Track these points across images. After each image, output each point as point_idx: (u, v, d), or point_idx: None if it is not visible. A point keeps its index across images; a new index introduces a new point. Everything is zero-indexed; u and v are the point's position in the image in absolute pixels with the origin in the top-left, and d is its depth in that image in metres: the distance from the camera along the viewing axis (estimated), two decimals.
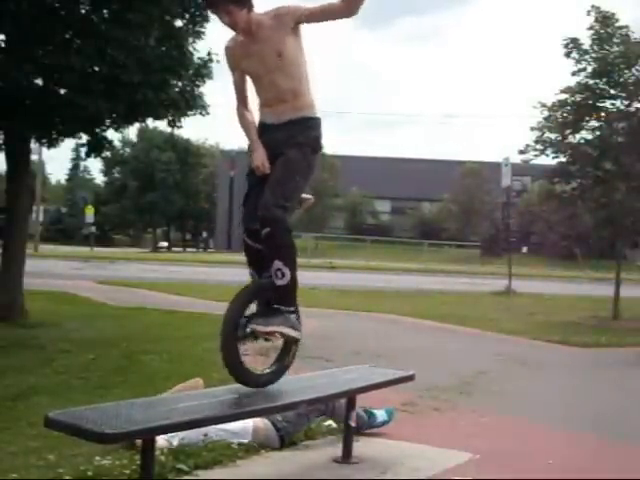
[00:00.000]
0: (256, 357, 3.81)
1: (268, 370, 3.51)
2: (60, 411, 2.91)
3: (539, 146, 12.65)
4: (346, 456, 3.80)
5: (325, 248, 41.12)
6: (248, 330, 3.28)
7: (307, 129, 3.39)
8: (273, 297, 3.33)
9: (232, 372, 3.31)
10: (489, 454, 4.07)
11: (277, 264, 3.25)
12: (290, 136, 3.33)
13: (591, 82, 12.32)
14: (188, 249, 59.45)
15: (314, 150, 3.43)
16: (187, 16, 8.64)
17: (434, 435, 4.42)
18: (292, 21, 3.28)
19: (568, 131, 12.59)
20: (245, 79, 3.49)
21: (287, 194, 3.27)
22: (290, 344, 3.49)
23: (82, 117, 8.11)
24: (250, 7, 3.26)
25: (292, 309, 3.34)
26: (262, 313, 3.32)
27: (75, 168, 72.92)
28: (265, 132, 3.45)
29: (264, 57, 3.31)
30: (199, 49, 9.01)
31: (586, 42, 12.30)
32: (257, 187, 3.40)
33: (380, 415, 4.41)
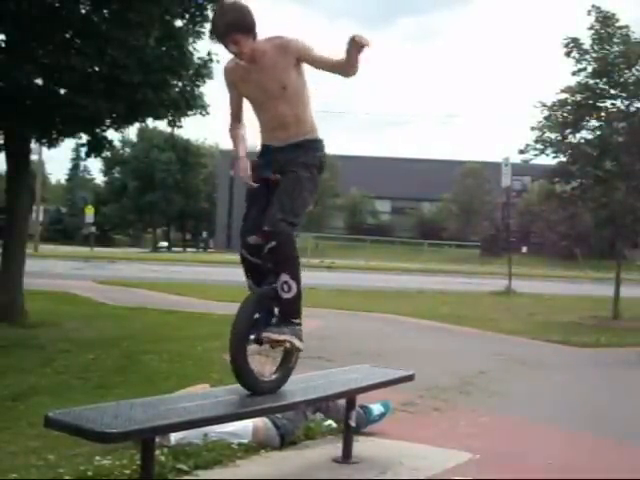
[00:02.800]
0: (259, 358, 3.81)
1: (273, 377, 3.51)
2: (60, 411, 2.90)
3: (539, 146, 12.65)
4: (346, 456, 3.80)
5: (325, 248, 41.13)
6: (261, 337, 3.30)
7: (312, 150, 3.46)
8: (280, 310, 3.38)
9: (242, 381, 3.33)
10: (489, 454, 4.07)
11: (284, 277, 3.30)
12: (296, 156, 3.40)
13: (591, 82, 12.32)
14: (188, 249, 59.44)
15: (319, 170, 3.50)
16: (187, 16, 8.64)
17: (434, 435, 4.41)
18: (295, 58, 3.34)
19: (568, 131, 12.59)
20: (241, 99, 3.55)
21: (295, 210, 3.32)
22: (291, 354, 3.52)
23: (82, 117, 8.10)
24: (255, 35, 3.33)
25: (299, 321, 3.40)
26: (274, 322, 3.36)
27: (75, 168, 72.92)
28: (268, 153, 3.50)
29: (266, 86, 3.37)
30: (199, 49, 9.03)
31: (586, 42, 12.32)
32: (257, 203, 3.43)
33: (377, 409, 4.40)
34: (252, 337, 3.30)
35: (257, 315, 3.36)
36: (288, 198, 3.31)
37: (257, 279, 3.45)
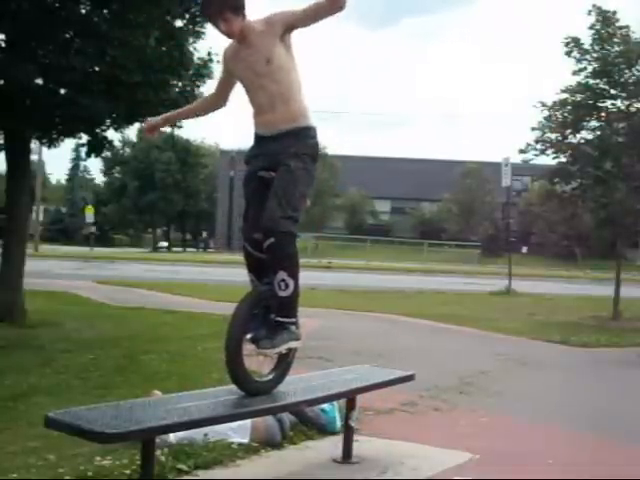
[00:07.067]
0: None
1: (269, 377, 3.48)
2: (60, 411, 2.91)
3: (539, 146, 12.65)
4: (346, 456, 3.81)
5: (325, 248, 41.13)
6: (257, 351, 3.25)
7: (304, 138, 3.35)
8: (274, 308, 3.30)
9: (237, 383, 3.29)
10: (489, 454, 4.07)
11: (281, 275, 3.22)
12: (287, 146, 3.30)
13: (591, 82, 12.32)
14: (188, 249, 59.44)
15: (313, 159, 3.40)
16: (187, 16, 8.63)
17: (434, 435, 4.42)
18: (282, 27, 3.28)
19: (568, 131, 12.59)
20: (229, 82, 3.58)
21: (293, 204, 3.24)
22: (288, 353, 3.47)
23: (82, 117, 8.09)
24: (244, 15, 3.31)
25: (294, 320, 3.33)
26: (266, 333, 3.26)
27: (75, 168, 72.99)
28: (260, 143, 3.43)
29: (253, 62, 3.32)
30: (199, 49, 9.01)
31: (587, 41, 12.32)
32: (256, 197, 3.38)
33: (329, 409, 4.36)
34: (249, 336, 3.24)
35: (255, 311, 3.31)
36: (284, 193, 3.23)
37: (261, 274, 3.39)
